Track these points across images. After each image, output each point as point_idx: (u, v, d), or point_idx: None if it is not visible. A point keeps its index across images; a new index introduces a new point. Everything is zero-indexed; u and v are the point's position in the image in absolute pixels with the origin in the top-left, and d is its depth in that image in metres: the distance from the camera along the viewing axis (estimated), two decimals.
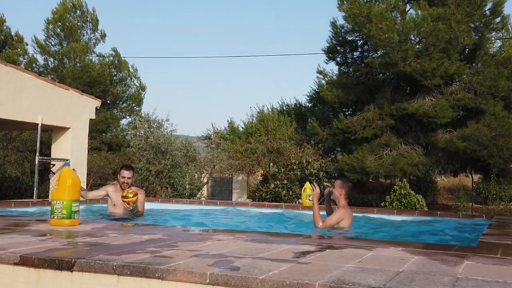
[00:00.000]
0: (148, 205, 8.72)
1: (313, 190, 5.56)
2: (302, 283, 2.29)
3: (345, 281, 2.31)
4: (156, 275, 2.54)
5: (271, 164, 18.02)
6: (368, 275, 2.48)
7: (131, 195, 6.02)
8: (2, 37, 22.60)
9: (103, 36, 22.13)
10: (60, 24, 21.12)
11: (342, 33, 17.31)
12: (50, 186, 9.75)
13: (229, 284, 2.39)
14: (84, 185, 9.71)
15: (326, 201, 5.79)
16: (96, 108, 10.59)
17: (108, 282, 2.64)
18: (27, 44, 22.84)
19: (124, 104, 22.70)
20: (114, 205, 6.30)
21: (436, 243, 4.44)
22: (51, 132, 10.79)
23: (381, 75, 16.90)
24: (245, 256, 2.96)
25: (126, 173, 6.33)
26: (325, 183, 5.78)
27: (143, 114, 20.03)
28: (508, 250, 3.66)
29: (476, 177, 17.64)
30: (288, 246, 3.45)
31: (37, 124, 9.10)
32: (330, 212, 5.75)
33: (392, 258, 3.07)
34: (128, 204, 6.04)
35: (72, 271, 2.72)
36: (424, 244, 4.00)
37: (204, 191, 20.03)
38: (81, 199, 6.12)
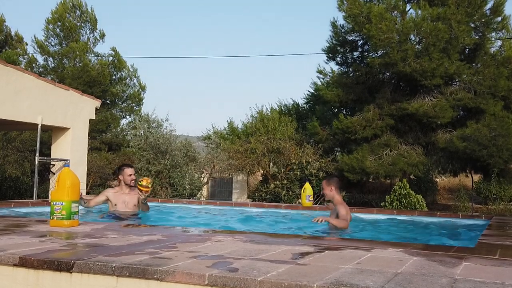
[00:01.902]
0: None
1: (320, 222, 5.41)
2: (301, 284, 2.30)
3: (343, 282, 2.32)
4: (155, 276, 2.55)
5: (271, 164, 18.03)
6: (367, 276, 2.49)
7: (145, 183, 6.11)
8: (2, 37, 22.61)
9: (102, 36, 22.15)
10: (59, 24, 21.14)
11: (342, 33, 17.31)
12: (50, 187, 9.76)
13: (228, 285, 2.40)
14: (84, 185, 9.73)
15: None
16: (96, 108, 10.60)
17: (107, 283, 2.65)
18: (26, 44, 22.87)
19: (124, 104, 22.72)
20: (115, 204, 6.36)
21: (435, 244, 4.44)
22: (51, 132, 10.80)
23: (381, 75, 16.91)
24: (244, 258, 2.97)
25: (130, 170, 6.43)
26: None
27: (143, 114, 20.04)
28: (507, 251, 3.67)
29: (476, 177, 17.64)
30: (287, 247, 3.46)
31: (37, 124, 9.11)
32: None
33: (391, 259, 3.08)
34: (141, 192, 6.14)
35: (71, 272, 2.72)
36: (423, 245, 4.01)
37: (204, 191, 20.04)
38: (82, 208, 6.18)
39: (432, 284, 2.36)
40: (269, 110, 21.94)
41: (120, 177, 6.44)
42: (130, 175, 6.35)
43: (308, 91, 21.56)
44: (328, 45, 17.74)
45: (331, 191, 5.53)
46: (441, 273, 2.63)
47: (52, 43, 21.48)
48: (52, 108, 9.43)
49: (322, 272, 2.56)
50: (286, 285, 2.31)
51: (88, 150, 11.85)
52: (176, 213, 7.87)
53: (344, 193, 15.07)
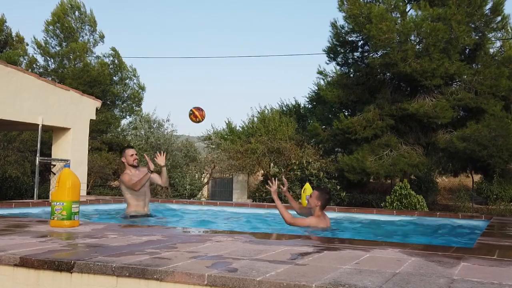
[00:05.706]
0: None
1: (270, 187, 5.64)
2: (299, 284, 2.31)
3: (341, 282, 2.33)
4: (155, 276, 2.57)
5: (272, 164, 18.03)
6: (365, 276, 2.50)
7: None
8: (3, 37, 22.63)
9: (102, 36, 22.14)
10: (59, 25, 21.14)
11: (343, 34, 17.31)
12: (51, 187, 9.79)
13: (227, 285, 2.41)
14: (84, 186, 9.75)
15: (289, 199, 5.96)
16: (97, 109, 10.63)
17: (107, 283, 2.66)
18: (27, 45, 22.87)
19: (124, 104, 22.71)
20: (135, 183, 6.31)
21: (434, 245, 4.45)
22: (51, 132, 10.82)
23: (381, 75, 16.91)
24: (243, 258, 2.99)
25: (132, 151, 6.51)
26: (283, 178, 5.87)
27: (143, 114, 20.03)
28: (505, 251, 3.68)
29: (477, 177, 17.64)
30: (286, 248, 3.47)
31: (38, 124, 9.14)
32: (299, 207, 5.90)
33: (389, 259, 3.09)
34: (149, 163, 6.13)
35: (71, 273, 2.74)
36: (422, 245, 4.02)
37: (205, 191, 20.04)
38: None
39: (430, 284, 2.38)
40: (270, 111, 21.94)
41: (123, 159, 6.52)
42: (132, 155, 6.42)
43: (310, 90, 21.55)
44: (328, 45, 17.75)
45: (316, 206, 5.48)
46: (439, 273, 2.64)
47: (52, 44, 21.49)
48: (53, 108, 9.45)
49: (320, 272, 2.58)
50: (284, 285, 2.33)
51: (89, 150, 11.86)
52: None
53: (344, 193, 15.10)
